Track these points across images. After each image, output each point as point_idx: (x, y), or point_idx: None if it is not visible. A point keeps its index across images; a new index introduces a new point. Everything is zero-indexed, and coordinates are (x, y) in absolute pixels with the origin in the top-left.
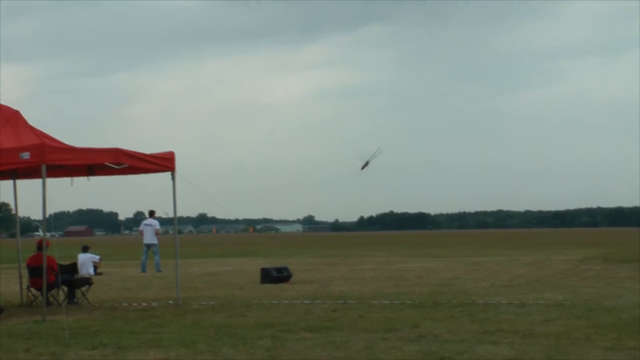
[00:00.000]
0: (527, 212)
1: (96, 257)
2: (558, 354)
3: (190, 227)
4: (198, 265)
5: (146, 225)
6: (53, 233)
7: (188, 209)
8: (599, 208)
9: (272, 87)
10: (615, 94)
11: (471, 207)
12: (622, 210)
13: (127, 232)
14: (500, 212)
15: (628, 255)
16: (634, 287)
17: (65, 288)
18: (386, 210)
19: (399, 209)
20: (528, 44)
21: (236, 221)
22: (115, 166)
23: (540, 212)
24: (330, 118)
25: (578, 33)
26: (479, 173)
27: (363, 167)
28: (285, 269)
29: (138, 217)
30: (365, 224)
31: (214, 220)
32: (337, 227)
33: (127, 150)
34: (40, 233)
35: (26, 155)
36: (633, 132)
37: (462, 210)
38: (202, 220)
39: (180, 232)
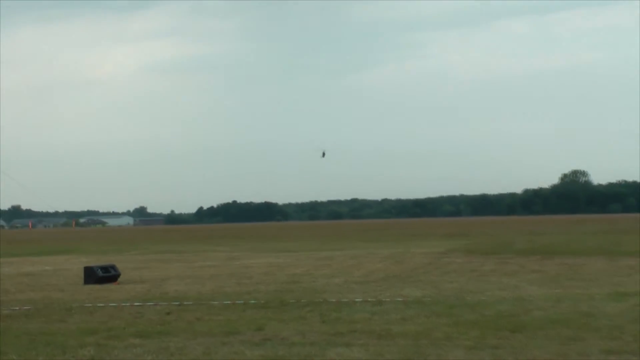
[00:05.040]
0: (385, 201)
1: None
2: (416, 355)
3: (1, 222)
4: (10, 265)
5: None
6: None
7: None
8: (462, 196)
9: (98, 59)
10: (477, 72)
11: (323, 195)
12: (487, 198)
13: None
14: (355, 201)
15: (493, 247)
16: (499, 281)
17: None
18: (228, 200)
19: (242, 198)
20: (386, 13)
21: (56, 214)
22: None
23: (399, 201)
24: (167, 95)
25: (440, 3)
26: (330, 158)
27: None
28: (113, 267)
29: None
30: (205, 215)
31: (29, 214)
32: (172, 219)
33: None
34: None
35: None
36: (497, 115)
37: (313, 200)
38: (15, 213)
39: None
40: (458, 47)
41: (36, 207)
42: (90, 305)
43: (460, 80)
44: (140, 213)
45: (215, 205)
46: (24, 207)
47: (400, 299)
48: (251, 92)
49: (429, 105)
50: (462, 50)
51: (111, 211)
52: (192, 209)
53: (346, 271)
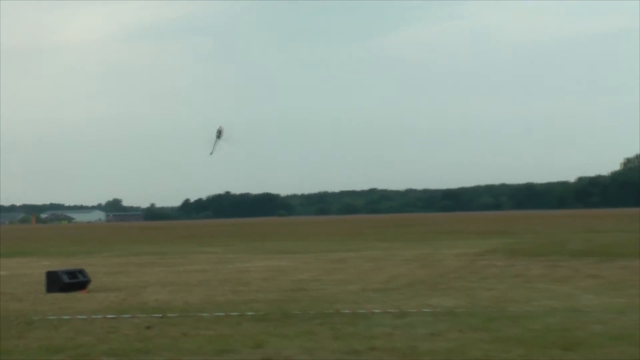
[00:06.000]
0: (409, 192)
1: None
2: None
3: None
4: None
5: None
6: None
7: None
8: (502, 185)
9: (62, 23)
10: (521, 36)
11: (334, 185)
12: (533, 188)
13: None
14: (372, 191)
15: (540, 247)
16: (548, 288)
17: None
18: (220, 190)
19: (237, 189)
20: None
21: (12, 208)
22: None
23: (426, 191)
24: (145, 65)
25: None
26: (344, 139)
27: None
28: (81, 272)
29: None
30: (192, 209)
31: None
32: (153, 214)
33: None
34: None
35: None
36: (545, 87)
37: (322, 190)
38: None
39: None
40: (498, 5)
41: None
42: (54, 317)
43: (501, 46)
44: (113, 207)
45: (204, 197)
46: None
47: (428, 310)
48: (246, 60)
49: (463, 77)
50: (504, 8)
51: (79, 204)
52: (177, 202)
53: (363, 276)
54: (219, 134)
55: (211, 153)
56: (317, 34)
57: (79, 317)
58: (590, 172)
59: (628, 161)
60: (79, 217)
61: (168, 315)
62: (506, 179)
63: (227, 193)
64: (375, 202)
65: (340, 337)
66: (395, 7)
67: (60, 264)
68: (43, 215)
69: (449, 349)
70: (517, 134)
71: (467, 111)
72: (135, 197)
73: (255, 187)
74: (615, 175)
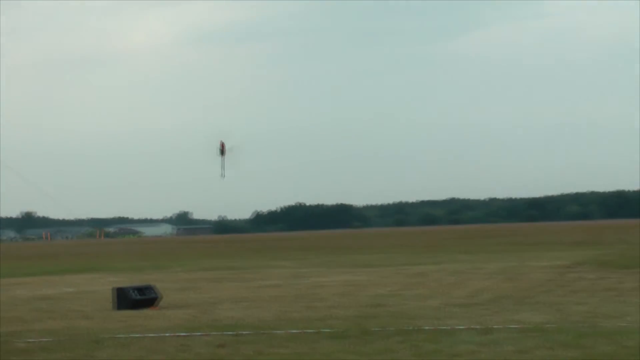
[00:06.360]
0: (492, 201)
1: None
2: None
3: (11, 233)
4: (24, 286)
5: None
6: None
7: (7, 207)
8: (592, 193)
9: (126, 28)
10: (613, 34)
11: (412, 195)
12: (625, 195)
13: None
14: (453, 201)
15: (634, 259)
16: None
17: None
18: (292, 202)
19: (310, 199)
20: None
21: (79, 222)
22: None
23: (510, 200)
24: (213, 71)
25: None
26: (422, 146)
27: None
28: (150, 288)
29: None
30: (264, 221)
31: (45, 222)
32: (223, 227)
33: None
34: None
35: None
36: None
37: (399, 200)
38: (28, 222)
39: None
40: (588, 2)
41: (54, 214)
42: (123, 336)
43: (591, 45)
44: (182, 220)
45: (276, 209)
46: (39, 214)
47: (514, 326)
48: (318, 64)
49: (548, 79)
50: (594, 5)
51: (146, 218)
52: (247, 214)
53: (444, 291)
54: (222, 151)
55: (222, 175)
56: (393, 34)
57: (149, 335)
58: None
59: None
60: (147, 230)
61: (241, 332)
62: (595, 186)
63: (300, 204)
64: (456, 211)
65: (422, 355)
66: (475, 6)
67: (128, 280)
68: (110, 229)
69: None
70: (606, 138)
71: (552, 114)
72: (205, 210)
73: (329, 198)
74: None
